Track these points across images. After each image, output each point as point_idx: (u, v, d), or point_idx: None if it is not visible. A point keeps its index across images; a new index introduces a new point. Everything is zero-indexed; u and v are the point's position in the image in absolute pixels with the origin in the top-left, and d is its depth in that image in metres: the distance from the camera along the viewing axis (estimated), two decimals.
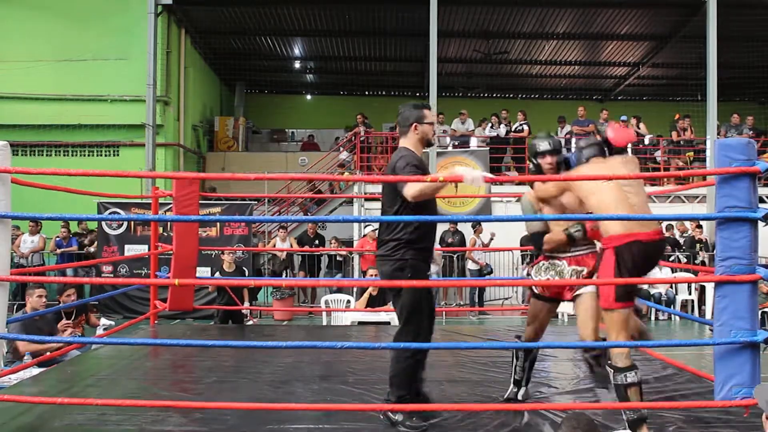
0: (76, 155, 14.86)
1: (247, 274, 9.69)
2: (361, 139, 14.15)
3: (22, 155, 14.34)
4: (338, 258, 12.41)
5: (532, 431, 3.34)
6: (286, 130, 19.80)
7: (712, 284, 3.92)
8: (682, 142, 14.19)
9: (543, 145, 3.78)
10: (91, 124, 14.61)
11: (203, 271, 10.42)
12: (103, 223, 11.37)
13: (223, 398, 3.84)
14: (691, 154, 14.51)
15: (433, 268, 11.89)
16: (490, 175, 3.18)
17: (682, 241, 12.49)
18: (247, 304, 9.06)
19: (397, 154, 3.45)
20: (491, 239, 11.72)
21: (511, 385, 3.88)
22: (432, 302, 3.54)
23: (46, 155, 14.85)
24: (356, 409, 3.51)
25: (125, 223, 11.33)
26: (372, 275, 9.19)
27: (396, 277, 3.34)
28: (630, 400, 3.19)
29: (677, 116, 14.69)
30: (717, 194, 3.21)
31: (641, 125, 14.28)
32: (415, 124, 3.48)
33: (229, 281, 7.98)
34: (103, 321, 7.11)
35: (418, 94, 19.84)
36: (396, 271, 3.35)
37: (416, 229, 3.35)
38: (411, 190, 3.18)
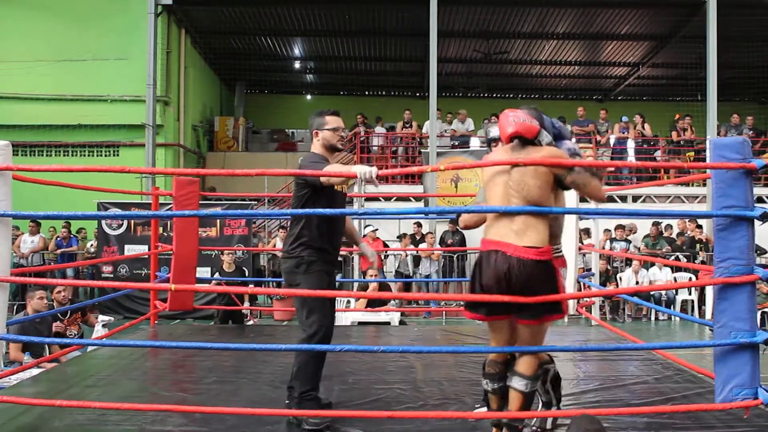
0: (76, 155, 14.87)
1: (247, 274, 9.69)
2: (361, 139, 14.14)
3: (22, 155, 14.35)
4: (338, 258, 12.40)
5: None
6: (286, 130, 19.81)
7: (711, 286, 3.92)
8: (682, 142, 14.19)
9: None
10: (91, 124, 14.62)
11: (203, 272, 10.42)
12: (103, 223, 11.36)
13: (223, 398, 3.84)
14: (692, 154, 14.50)
15: (433, 267, 11.92)
16: (381, 171, 3.13)
17: (681, 241, 12.50)
18: (247, 304, 9.06)
19: (305, 158, 3.61)
20: None
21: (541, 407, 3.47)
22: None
23: (46, 155, 14.85)
24: (356, 417, 3.50)
25: (125, 223, 11.32)
26: (372, 275, 9.20)
27: (290, 273, 3.47)
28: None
29: (677, 116, 14.69)
30: (714, 194, 3.20)
31: (646, 125, 14.23)
32: (315, 130, 3.58)
33: (226, 288, 7.97)
34: (102, 318, 7.10)
35: (418, 94, 19.85)
36: (291, 266, 3.48)
37: (316, 227, 3.45)
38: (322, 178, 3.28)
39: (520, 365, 3.06)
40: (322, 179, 3.25)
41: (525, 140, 3.05)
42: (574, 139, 14.38)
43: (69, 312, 6.50)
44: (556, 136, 3.24)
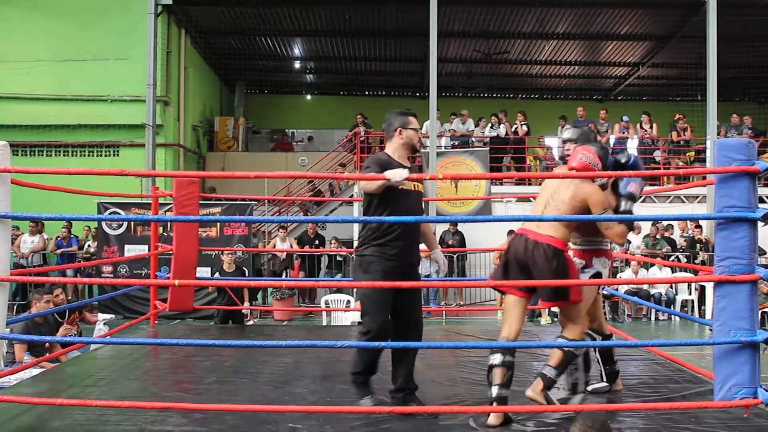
0: (76, 155, 14.87)
1: (247, 274, 9.69)
2: (361, 139, 14.14)
3: (22, 155, 14.34)
4: (338, 258, 12.41)
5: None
6: (286, 130, 19.82)
7: (712, 284, 3.93)
8: (682, 142, 14.19)
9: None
10: (91, 124, 14.62)
11: (203, 272, 10.42)
12: (103, 223, 11.37)
13: (223, 398, 3.84)
14: (692, 154, 14.50)
15: (433, 267, 11.92)
16: (410, 174, 3.36)
17: (681, 240, 12.50)
18: (247, 303, 9.06)
19: (371, 156, 3.76)
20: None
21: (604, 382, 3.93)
22: (393, 299, 3.56)
23: (46, 155, 14.85)
24: (356, 411, 3.50)
25: (125, 224, 11.33)
26: None
27: (354, 271, 3.65)
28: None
29: (677, 116, 14.70)
30: (716, 194, 3.22)
31: (654, 125, 14.16)
32: (399, 128, 3.64)
33: (229, 282, 7.98)
34: (102, 316, 7.10)
35: (418, 94, 19.85)
36: (355, 265, 3.64)
37: (387, 228, 3.51)
38: (361, 183, 3.59)
39: (565, 331, 3.65)
40: (359, 187, 3.33)
41: None
42: None
43: (67, 313, 6.50)
44: (632, 166, 3.76)
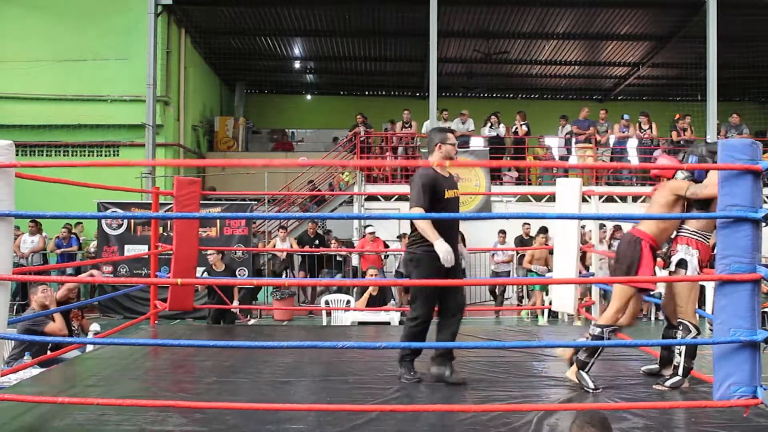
0: (77, 155, 14.88)
1: (241, 274, 9.65)
2: (361, 139, 14.13)
3: (22, 155, 14.34)
4: (338, 258, 12.40)
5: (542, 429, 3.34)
6: (286, 130, 19.82)
7: (712, 284, 3.93)
8: (682, 142, 14.18)
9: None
10: (91, 124, 14.63)
11: (200, 272, 10.42)
12: (103, 223, 11.36)
13: (223, 398, 3.84)
14: None
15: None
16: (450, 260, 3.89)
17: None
18: (236, 303, 9.06)
19: (419, 170, 4.21)
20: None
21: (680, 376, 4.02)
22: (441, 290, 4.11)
23: (46, 155, 14.86)
24: (356, 411, 3.50)
25: (125, 223, 11.32)
26: (372, 275, 9.19)
27: (406, 265, 4.16)
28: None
29: (677, 116, 14.69)
30: (719, 193, 3.22)
31: (653, 125, 14.12)
32: (439, 144, 4.19)
33: (229, 281, 7.98)
34: (94, 327, 7.08)
35: (418, 94, 19.86)
36: (406, 260, 4.16)
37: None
38: (411, 212, 4.04)
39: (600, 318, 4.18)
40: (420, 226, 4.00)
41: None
42: (574, 140, 14.38)
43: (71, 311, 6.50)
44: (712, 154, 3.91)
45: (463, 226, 12.29)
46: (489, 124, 14.26)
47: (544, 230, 11.02)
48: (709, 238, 4.01)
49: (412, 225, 4.12)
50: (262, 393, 3.98)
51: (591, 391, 3.91)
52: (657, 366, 4.24)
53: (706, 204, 3.92)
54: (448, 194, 4.05)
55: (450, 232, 4.02)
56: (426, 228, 3.92)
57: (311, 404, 3.70)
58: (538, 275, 10.78)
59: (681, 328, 4.01)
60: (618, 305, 4.08)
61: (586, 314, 7.58)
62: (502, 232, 11.83)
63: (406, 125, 14.38)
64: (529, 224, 11.90)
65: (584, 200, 5.69)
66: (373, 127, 14.91)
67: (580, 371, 4.00)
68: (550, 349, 4.93)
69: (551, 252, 6.45)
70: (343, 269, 12.39)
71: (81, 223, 13.26)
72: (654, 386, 3.99)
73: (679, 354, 3.97)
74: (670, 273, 4.04)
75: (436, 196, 3.99)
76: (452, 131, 4.30)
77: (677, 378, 3.95)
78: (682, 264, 3.96)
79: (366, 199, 13.14)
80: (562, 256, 5.81)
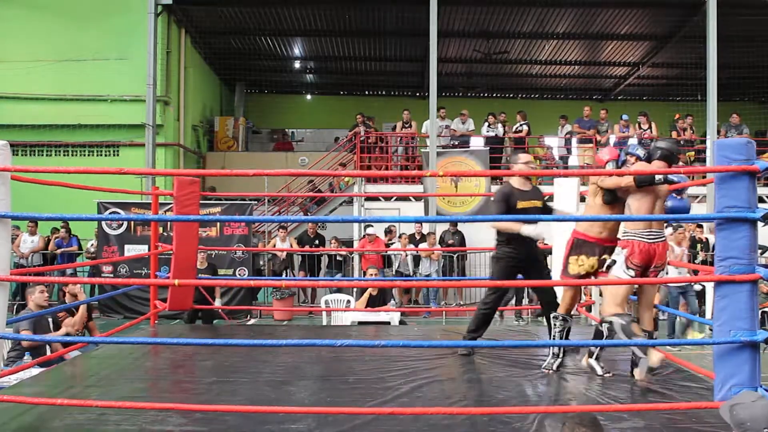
0: (76, 155, 14.87)
1: (236, 273, 9.64)
2: (361, 139, 14.14)
3: (22, 155, 14.35)
4: (338, 258, 12.41)
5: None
6: (286, 130, 19.82)
7: (712, 284, 3.93)
8: (682, 142, 14.18)
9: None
10: (91, 124, 14.63)
11: None
12: (103, 223, 11.36)
13: (223, 398, 3.84)
14: (692, 154, 14.49)
15: (433, 267, 11.94)
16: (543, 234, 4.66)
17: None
18: (218, 302, 9.06)
19: (499, 187, 5.02)
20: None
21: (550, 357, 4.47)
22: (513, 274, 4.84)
23: (46, 155, 14.85)
24: (356, 413, 3.50)
25: (125, 223, 11.32)
26: (372, 275, 9.20)
27: (492, 262, 4.98)
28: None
29: (677, 116, 14.69)
30: (716, 194, 3.22)
31: (653, 124, 14.13)
32: (512, 164, 5.08)
33: (229, 281, 7.98)
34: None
35: (418, 94, 19.85)
36: (493, 258, 4.95)
37: (505, 234, 4.77)
38: (492, 221, 4.83)
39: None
40: (495, 225, 4.81)
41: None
42: (574, 140, 14.37)
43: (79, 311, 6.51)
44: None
45: (464, 226, 12.37)
46: (487, 124, 14.27)
47: None
48: (644, 237, 4.11)
49: (497, 231, 4.90)
50: (262, 393, 3.98)
51: (600, 376, 4.20)
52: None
53: (614, 198, 4.20)
54: (523, 204, 4.70)
55: (523, 238, 4.63)
56: (504, 226, 4.65)
57: (311, 405, 3.71)
58: None
59: (606, 324, 4.17)
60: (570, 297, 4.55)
61: (587, 314, 7.59)
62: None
63: (406, 125, 14.38)
64: None
65: (582, 200, 5.70)
66: (373, 127, 14.92)
67: (590, 359, 4.31)
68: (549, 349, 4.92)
69: (550, 252, 6.46)
70: (344, 269, 12.41)
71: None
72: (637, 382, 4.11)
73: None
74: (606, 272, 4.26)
75: (510, 208, 4.70)
76: (526, 152, 5.22)
77: (644, 363, 4.01)
78: (613, 264, 4.19)
79: (366, 199, 13.14)
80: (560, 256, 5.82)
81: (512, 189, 4.80)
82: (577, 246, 4.35)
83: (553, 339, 4.58)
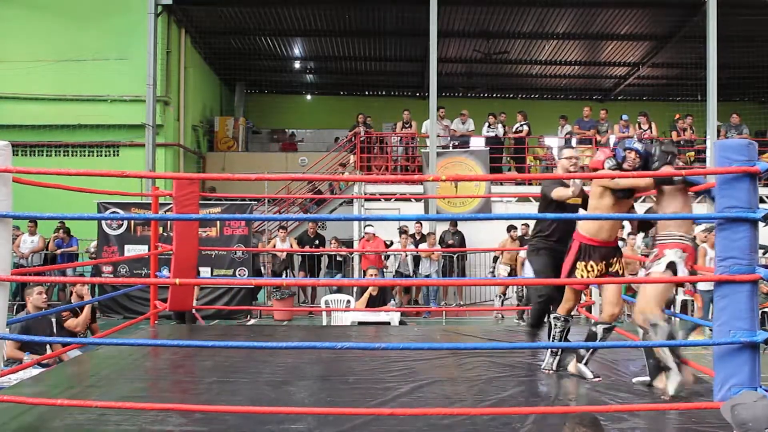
0: (76, 155, 14.87)
1: (236, 274, 9.59)
2: (361, 139, 14.13)
3: (22, 155, 14.34)
4: (338, 258, 12.41)
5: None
6: (286, 130, 19.82)
7: (712, 284, 3.93)
8: (682, 142, 14.18)
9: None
10: (91, 124, 14.62)
11: (203, 271, 10.43)
12: (103, 223, 11.36)
13: (223, 398, 3.85)
14: (692, 154, 14.49)
15: (433, 267, 11.91)
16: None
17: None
18: (194, 302, 9.06)
19: (546, 182, 4.96)
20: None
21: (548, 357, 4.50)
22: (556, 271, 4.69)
23: (46, 155, 14.85)
24: (356, 414, 3.50)
25: (125, 224, 11.32)
26: (372, 275, 9.19)
27: (529, 254, 4.99)
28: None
29: (677, 116, 14.69)
30: (716, 194, 3.22)
31: (653, 125, 14.12)
32: (558, 159, 4.93)
33: (230, 281, 7.98)
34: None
35: (418, 94, 19.85)
36: (531, 250, 4.94)
37: (549, 226, 4.83)
38: (555, 194, 4.63)
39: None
40: (553, 195, 4.61)
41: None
42: (574, 140, 14.40)
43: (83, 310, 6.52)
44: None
45: (464, 226, 12.37)
46: (488, 124, 14.27)
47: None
48: (687, 240, 4.02)
49: (536, 223, 4.99)
50: (262, 393, 3.98)
51: (590, 380, 4.18)
52: (648, 378, 4.12)
53: (629, 194, 4.22)
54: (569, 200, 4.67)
55: (565, 237, 4.63)
56: (557, 195, 4.55)
57: (311, 405, 3.71)
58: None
59: (651, 328, 3.92)
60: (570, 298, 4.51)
61: (587, 314, 7.59)
62: (511, 228, 11.74)
63: (406, 125, 14.38)
64: (527, 224, 11.89)
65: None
66: (373, 126, 14.92)
67: (578, 364, 4.27)
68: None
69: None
70: (344, 269, 12.40)
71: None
72: (661, 397, 3.85)
73: (664, 353, 3.86)
74: (648, 274, 4.05)
75: (555, 203, 4.69)
76: (570, 147, 5.00)
77: (676, 378, 3.82)
78: (671, 266, 3.93)
79: (366, 200, 13.13)
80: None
81: (561, 181, 4.75)
82: (584, 251, 4.28)
83: (553, 339, 4.55)
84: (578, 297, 4.66)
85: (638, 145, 4.23)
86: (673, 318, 4.15)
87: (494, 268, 11.88)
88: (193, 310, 7.43)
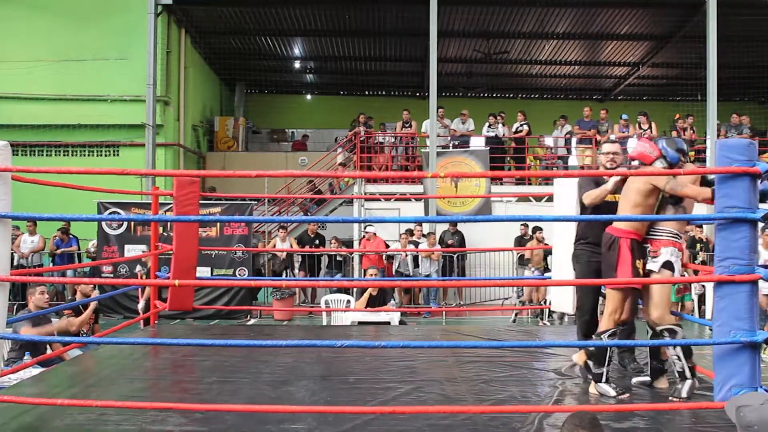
0: (76, 155, 14.87)
1: (236, 273, 9.56)
2: (361, 139, 14.13)
3: (22, 155, 14.34)
4: (338, 258, 12.41)
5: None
6: (286, 130, 19.82)
7: (712, 284, 3.93)
8: None
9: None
10: (91, 124, 14.63)
11: (203, 271, 10.42)
12: (103, 223, 11.36)
13: (223, 398, 3.85)
14: (692, 154, 14.49)
15: (433, 267, 11.92)
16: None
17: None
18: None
19: (582, 179, 4.61)
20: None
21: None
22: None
23: (46, 155, 14.85)
24: (356, 413, 3.50)
25: (125, 223, 11.32)
26: (372, 275, 9.19)
27: (573, 263, 4.61)
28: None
29: (677, 116, 14.68)
30: (717, 194, 3.22)
31: (653, 124, 14.10)
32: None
33: (230, 281, 7.98)
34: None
35: (418, 94, 19.85)
36: (573, 258, 4.62)
37: (583, 230, 4.51)
38: (587, 199, 4.34)
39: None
40: (585, 201, 4.34)
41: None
42: (574, 140, 14.40)
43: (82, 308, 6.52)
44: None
45: (464, 226, 12.37)
46: (488, 124, 14.27)
47: (538, 229, 11.08)
48: (680, 238, 4.00)
49: (577, 227, 4.63)
50: (262, 393, 3.98)
51: (614, 397, 3.84)
52: (648, 378, 4.12)
53: (678, 201, 3.91)
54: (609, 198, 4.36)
55: (598, 231, 4.30)
56: (596, 194, 4.24)
57: (311, 404, 3.71)
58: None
59: (668, 333, 3.90)
60: (612, 308, 4.02)
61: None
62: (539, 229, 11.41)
63: (406, 125, 14.38)
64: (526, 225, 11.89)
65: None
66: (373, 126, 14.92)
67: (598, 384, 3.94)
68: (553, 349, 4.92)
69: (550, 252, 6.46)
70: (344, 269, 12.41)
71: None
72: (670, 398, 3.82)
73: (678, 358, 3.84)
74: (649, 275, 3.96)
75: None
76: (610, 142, 4.59)
77: (688, 382, 3.81)
78: (667, 266, 3.89)
79: (366, 200, 13.13)
80: (561, 256, 5.81)
81: (597, 177, 4.45)
82: (637, 249, 3.97)
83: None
84: (624, 301, 4.10)
85: (685, 146, 4.02)
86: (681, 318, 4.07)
87: (520, 270, 11.66)
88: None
